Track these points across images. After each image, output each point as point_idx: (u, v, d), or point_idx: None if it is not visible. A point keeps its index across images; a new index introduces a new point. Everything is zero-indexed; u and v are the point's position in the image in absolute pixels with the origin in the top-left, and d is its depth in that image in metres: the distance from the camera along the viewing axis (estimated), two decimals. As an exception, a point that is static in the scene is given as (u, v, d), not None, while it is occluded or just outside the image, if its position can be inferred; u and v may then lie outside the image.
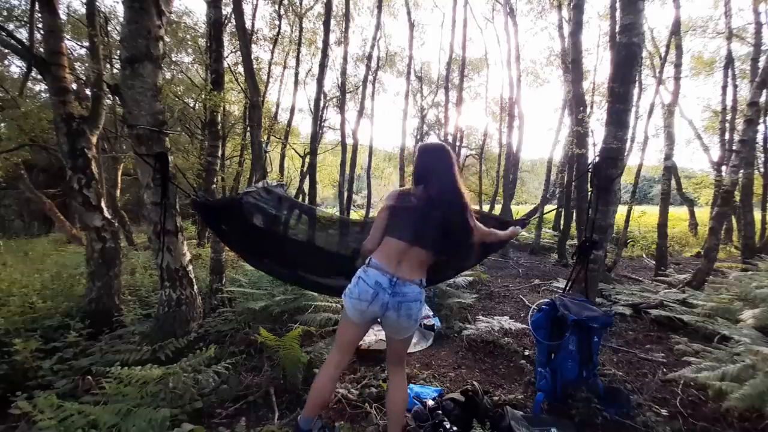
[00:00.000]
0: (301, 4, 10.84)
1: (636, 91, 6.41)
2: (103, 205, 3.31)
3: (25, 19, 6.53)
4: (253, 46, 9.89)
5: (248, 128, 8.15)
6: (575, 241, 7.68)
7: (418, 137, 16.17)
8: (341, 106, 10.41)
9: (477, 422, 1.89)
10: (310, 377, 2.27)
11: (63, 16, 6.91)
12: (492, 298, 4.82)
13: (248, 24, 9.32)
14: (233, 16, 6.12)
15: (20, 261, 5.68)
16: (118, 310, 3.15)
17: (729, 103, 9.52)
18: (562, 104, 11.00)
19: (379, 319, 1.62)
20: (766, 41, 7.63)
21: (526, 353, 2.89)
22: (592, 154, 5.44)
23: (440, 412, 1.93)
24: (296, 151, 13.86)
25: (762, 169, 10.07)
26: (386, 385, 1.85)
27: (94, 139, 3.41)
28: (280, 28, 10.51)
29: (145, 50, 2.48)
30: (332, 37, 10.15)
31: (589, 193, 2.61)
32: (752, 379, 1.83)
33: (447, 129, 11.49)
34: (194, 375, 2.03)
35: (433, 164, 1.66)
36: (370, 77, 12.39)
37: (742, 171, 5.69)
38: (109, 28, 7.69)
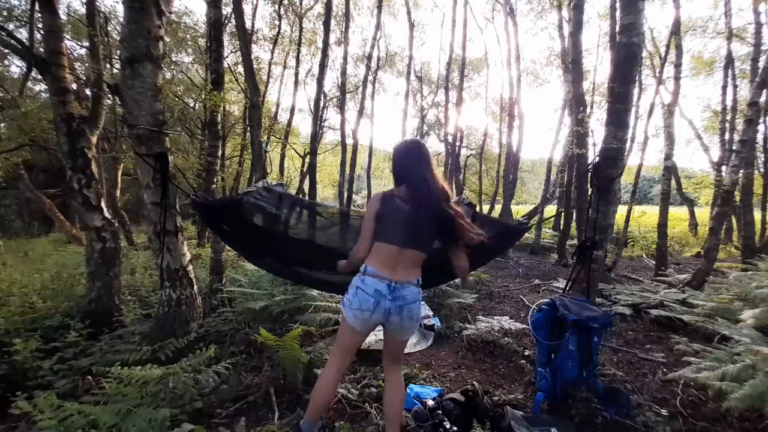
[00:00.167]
0: (301, 4, 10.85)
1: (636, 91, 6.42)
2: (103, 205, 3.31)
3: (25, 19, 6.53)
4: (253, 46, 9.90)
5: (248, 128, 8.15)
6: (575, 241, 7.68)
7: (418, 137, 16.19)
8: (341, 106, 10.41)
9: (477, 422, 1.89)
10: (310, 377, 2.27)
11: (63, 16, 6.92)
12: (492, 298, 4.82)
13: (248, 24, 9.32)
14: (233, 16, 6.12)
15: (20, 261, 5.68)
16: (118, 310, 3.15)
17: (729, 103, 9.52)
18: (562, 104, 11.01)
19: (382, 324, 1.62)
20: (766, 41, 7.64)
21: (526, 353, 2.89)
22: (592, 154, 5.44)
23: (440, 412, 1.93)
24: (296, 151, 13.87)
25: (762, 169, 10.07)
26: (384, 385, 1.84)
27: (94, 139, 3.41)
28: (280, 28, 10.52)
29: (145, 50, 2.48)
30: (332, 37, 10.16)
31: (589, 193, 2.61)
32: (752, 379, 1.83)
33: (447, 129, 11.51)
34: (194, 375, 2.03)
35: (409, 162, 1.64)
36: (370, 77, 12.40)
37: (742, 171, 5.69)
38: (109, 28, 7.70)
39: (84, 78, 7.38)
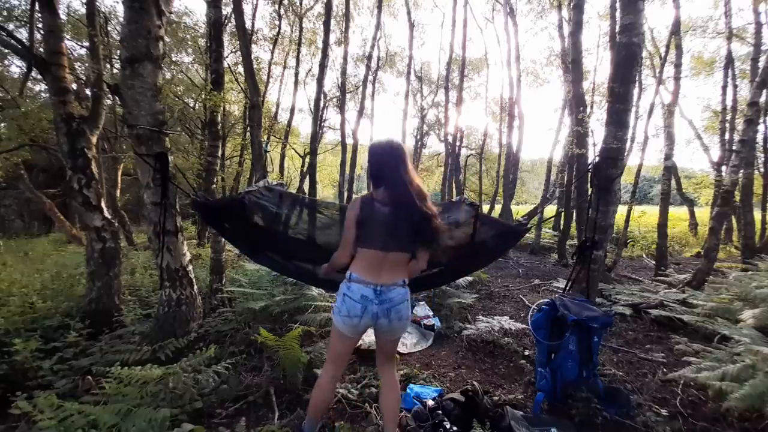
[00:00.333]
0: (301, 4, 10.85)
1: (636, 91, 6.42)
2: (103, 205, 3.31)
3: (25, 19, 6.53)
4: (253, 46, 9.90)
5: (248, 128, 8.14)
6: (575, 241, 7.68)
7: (418, 137, 16.20)
8: (341, 106, 10.41)
9: (477, 422, 1.89)
10: (310, 377, 2.27)
11: (63, 16, 6.92)
12: (492, 298, 4.82)
13: (248, 24, 9.32)
14: (233, 16, 6.11)
15: (20, 261, 5.68)
16: (118, 310, 3.15)
17: (729, 103, 9.52)
18: (562, 104, 11.00)
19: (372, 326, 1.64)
20: (766, 41, 7.63)
21: (526, 353, 2.89)
22: (592, 154, 5.44)
23: (440, 412, 1.93)
24: (296, 151, 13.87)
25: (762, 169, 10.07)
26: (380, 386, 1.84)
27: (94, 139, 3.41)
28: (280, 28, 10.52)
29: (145, 50, 2.48)
30: (332, 37, 10.15)
31: (589, 193, 2.61)
32: (752, 379, 1.83)
33: (447, 129, 11.51)
34: (194, 375, 2.03)
35: (386, 164, 1.61)
36: (370, 77, 12.40)
37: (742, 171, 5.69)
38: (109, 28, 7.69)
39: (84, 78, 7.38)
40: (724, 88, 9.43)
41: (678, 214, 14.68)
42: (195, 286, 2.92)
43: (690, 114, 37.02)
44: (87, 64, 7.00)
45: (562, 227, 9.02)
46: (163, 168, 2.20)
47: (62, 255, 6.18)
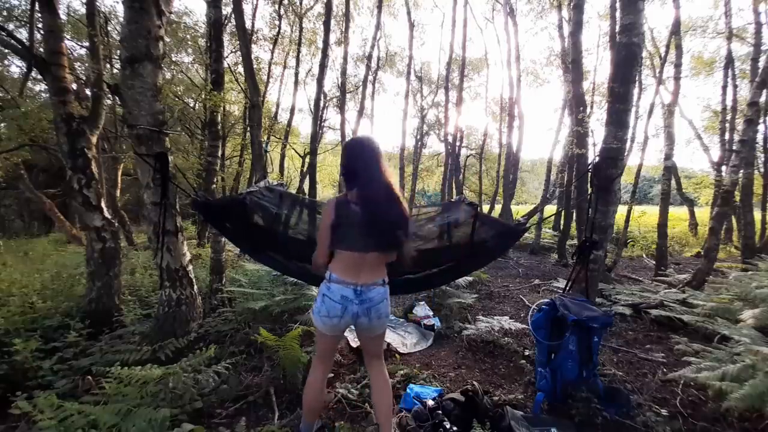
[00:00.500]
0: (301, 4, 10.85)
1: (636, 91, 6.42)
2: (103, 205, 3.31)
3: (25, 19, 6.54)
4: (253, 46, 9.90)
5: (248, 128, 8.15)
6: (575, 241, 7.68)
7: (418, 137, 16.19)
8: (341, 106, 10.41)
9: (477, 422, 1.89)
10: (310, 377, 2.27)
11: (63, 16, 6.92)
12: (492, 298, 4.82)
13: (248, 24, 9.33)
14: (233, 16, 6.11)
15: (20, 261, 5.68)
16: (118, 310, 3.15)
17: (729, 103, 9.51)
18: (562, 104, 10.99)
19: (352, 326, 1.66)
20: (766, 41, 7.63)
21: (526, 353, 2.89)
22: (592, 154, 5.44)
23: (440, 412, 1.93)
24: (296, 151, 13.88)
25: (762, 169, 10.06)
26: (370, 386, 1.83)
27: (94, 139, 3.41)
28: (280, 28, 10.52)
29: (145, 50, 2.48)
30: (332, 37, 10.15)
31: (589, 193, 2.61)
32: (752, 379, 1.83)
33: (447, 129, 11.51)
34: (194, 375, 2.03)
35: (359, 163, 1.60)
36: (370, 77, 12.41)
37: (742, 171, 5.69)
38: (109, 28, 7.69)
39: (84, 78, 7.38)
40: (724, 88, 9.43)
41: (678, 214, 14.68)
42: (195, 286, 2.92)
43: (690, 114, 37.00)
44: (87, 64, 7.00)
45: (562, 227, 9.01)
46: (163, 168, 2.20)
47: (62, 255, 6.18)
